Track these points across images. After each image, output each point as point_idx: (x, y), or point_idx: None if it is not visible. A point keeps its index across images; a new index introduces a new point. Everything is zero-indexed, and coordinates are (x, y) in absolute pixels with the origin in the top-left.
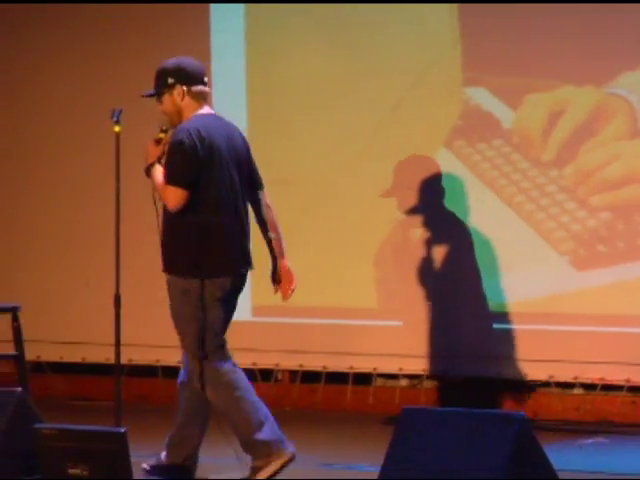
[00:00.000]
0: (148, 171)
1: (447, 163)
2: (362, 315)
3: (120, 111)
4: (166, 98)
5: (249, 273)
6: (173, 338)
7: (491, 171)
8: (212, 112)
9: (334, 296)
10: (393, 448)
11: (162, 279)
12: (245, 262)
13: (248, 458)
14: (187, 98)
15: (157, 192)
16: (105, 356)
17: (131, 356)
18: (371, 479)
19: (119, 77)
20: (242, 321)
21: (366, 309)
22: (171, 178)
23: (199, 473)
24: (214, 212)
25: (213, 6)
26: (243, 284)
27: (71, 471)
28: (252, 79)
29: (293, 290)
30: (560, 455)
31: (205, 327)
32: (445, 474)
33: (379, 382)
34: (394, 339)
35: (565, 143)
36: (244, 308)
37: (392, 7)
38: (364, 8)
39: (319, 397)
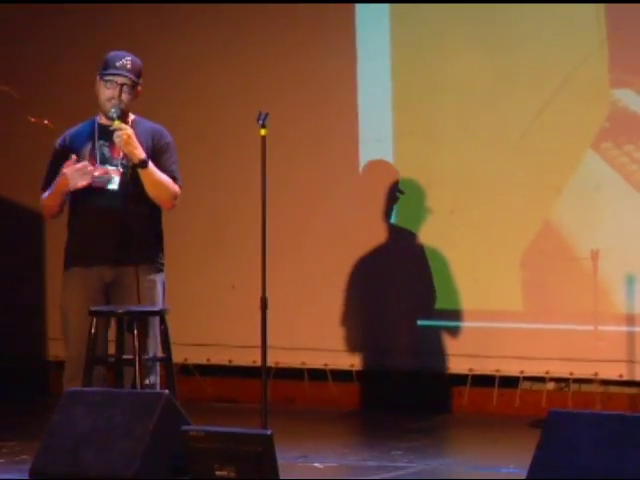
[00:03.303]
0: (144, 164)
1: (594, 165)
2: (509, 318)
3: (266, 115)
4: (133, 92)
5: None
6: (319, 341)
7: (639, 173)
8: None
9: (481, 298)
10: (540, 451)
11: (308, 282)
12: None
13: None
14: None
15: (157, 188)
16: (252, 358)
17: (277, 358)
18: None
19: (266, 80)
20: None
21: (513, 312)
22: (180, 179)
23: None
24: None
25: (358, 6)
26: None
27: (218, 473)
28: (397, 81)
29: None
30: None
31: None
32: (593, 478)
33: (525, 385)
34: (541, 342)
35: None
36: None
37: (538, 8)
38: (510, 9)
39: (465, 400)
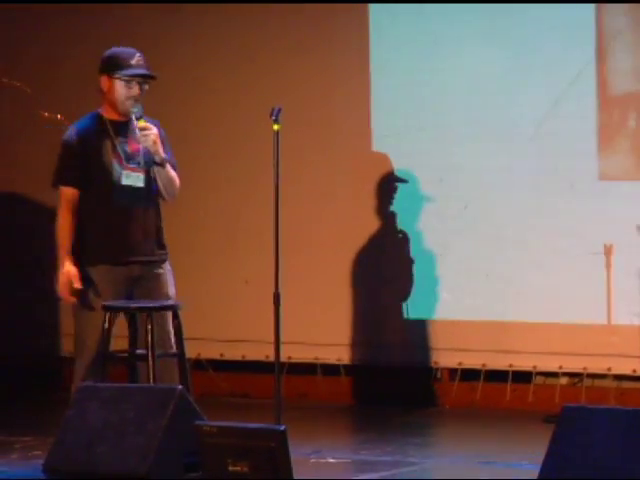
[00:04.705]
0: (165, 162)
1: None
2: (522, 313)
3: (279, 109)
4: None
5: None
6: (332, 336)
7: None
8: None
9: (494, 294)
10: (554, 446)
11: (321, 277)
12: None
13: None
14: None
15: (171, 184)
16: (265, 354)
17: (290, 354)
18: (531, 478)
19: (279, 75)
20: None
21: (526, 306)
22: (177, 170)
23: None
24: None
25: (372, 6)
26: None
27: (231, 468)
28: (410, 75)
29: None
30: None
31: None
32: (607, 473)
33: (539, 380)
34: (554, 337)
35: None
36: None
37: (550, 5)
38: (523, 6)
39: (478, 395)
